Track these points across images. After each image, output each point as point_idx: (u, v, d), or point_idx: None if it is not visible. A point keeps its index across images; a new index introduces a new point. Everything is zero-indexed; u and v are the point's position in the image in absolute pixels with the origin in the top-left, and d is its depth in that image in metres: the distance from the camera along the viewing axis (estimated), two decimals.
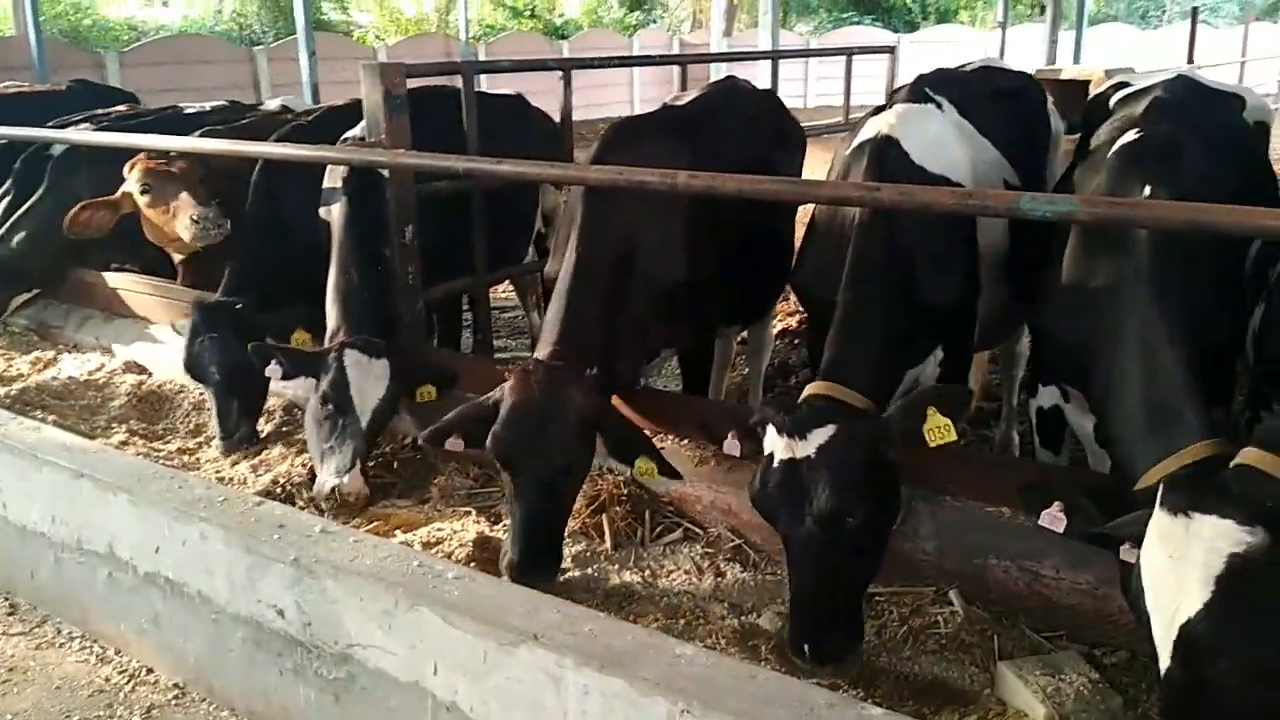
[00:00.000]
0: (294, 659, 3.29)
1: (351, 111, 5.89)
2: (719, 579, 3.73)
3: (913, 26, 37.21)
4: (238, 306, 4.87)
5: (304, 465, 4.58)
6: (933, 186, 3.51)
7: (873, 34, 33.05)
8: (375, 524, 4.15)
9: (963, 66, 5.16)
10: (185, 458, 4.92)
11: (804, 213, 5.58)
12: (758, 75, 6.07)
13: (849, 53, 7.84)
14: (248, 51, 22.55)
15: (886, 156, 3.70)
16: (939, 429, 3.13)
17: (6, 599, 4.25)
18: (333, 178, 4.92)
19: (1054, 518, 2.89)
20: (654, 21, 37.13)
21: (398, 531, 4.11)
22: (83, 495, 3.85)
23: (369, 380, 4.32)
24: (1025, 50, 21.88)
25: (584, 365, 3.68)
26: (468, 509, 4.26)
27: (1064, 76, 10.75)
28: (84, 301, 6.52)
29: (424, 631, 2.94)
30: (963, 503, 3.55)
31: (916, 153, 3.77)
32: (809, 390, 3.24)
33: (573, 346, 3.73)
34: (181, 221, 5.45)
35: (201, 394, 5.47)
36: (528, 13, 35.30)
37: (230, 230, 5.46)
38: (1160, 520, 2.42)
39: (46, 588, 4.13)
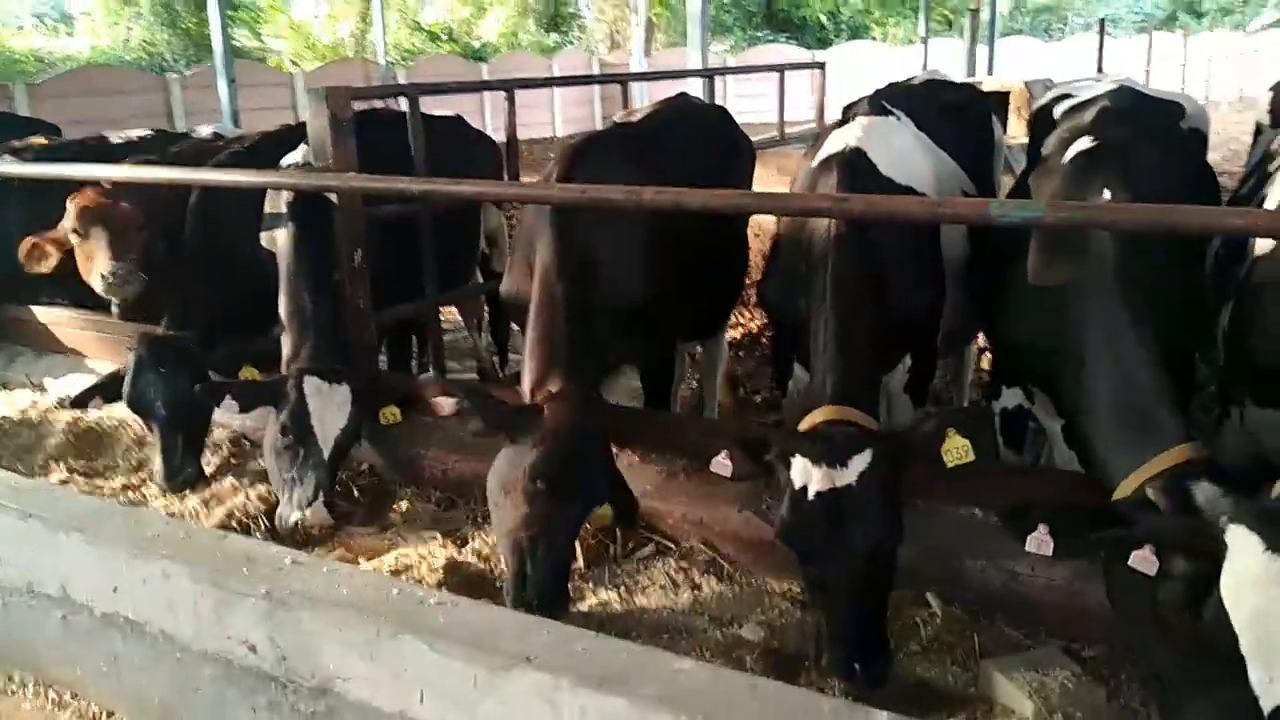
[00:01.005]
0: (268, 695, 3.19)
1: (287, 137, 5.80)
2: (696, 592, 3.71)
3: (825, 44, 37.82)
4: (187, 343, 4.74)
5: (259, 498, 4.45)
6: (902, 196, 3.55)
7: (789, 51, 33.49)
8: (338, 552, 4.06)
9: (910, 80, 5.25)
10: (130, 494, 4.76)
11: (755, 227, 5.64)
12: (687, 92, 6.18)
13: (781, 69, 7.93)
14: (161, 80, 22.08)
15: (855, 169, 3.72)
16: (958, 449, 3.10)
17: None
18: (275, 203, 4.81)
19: (1041, 541, 2.90)
20: (571, 43, 37.21)
21: (362, 560, 4.03)
22: (32, 536, 3.69)
23: (330, 408, 4.22)
24: (943, 64, 22.42)
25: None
26: (433, 534, 4.18)
27: (985, 89, 10.98)
28: (12, 338, 6.30)
29: (409, 660, 2.87)
30: (934, 505, 3.58)
31: (884, 164, 3.80)
32: (820, 416, 3.20)
33: (580, 374, 3.67)
34: (94, 273, 5.33)
35: (142, 429, 5.32)
36: (445, 36, 35.15)
37: (143, 281, 5.30)
38: (1261, 563, 2.33)
39: None
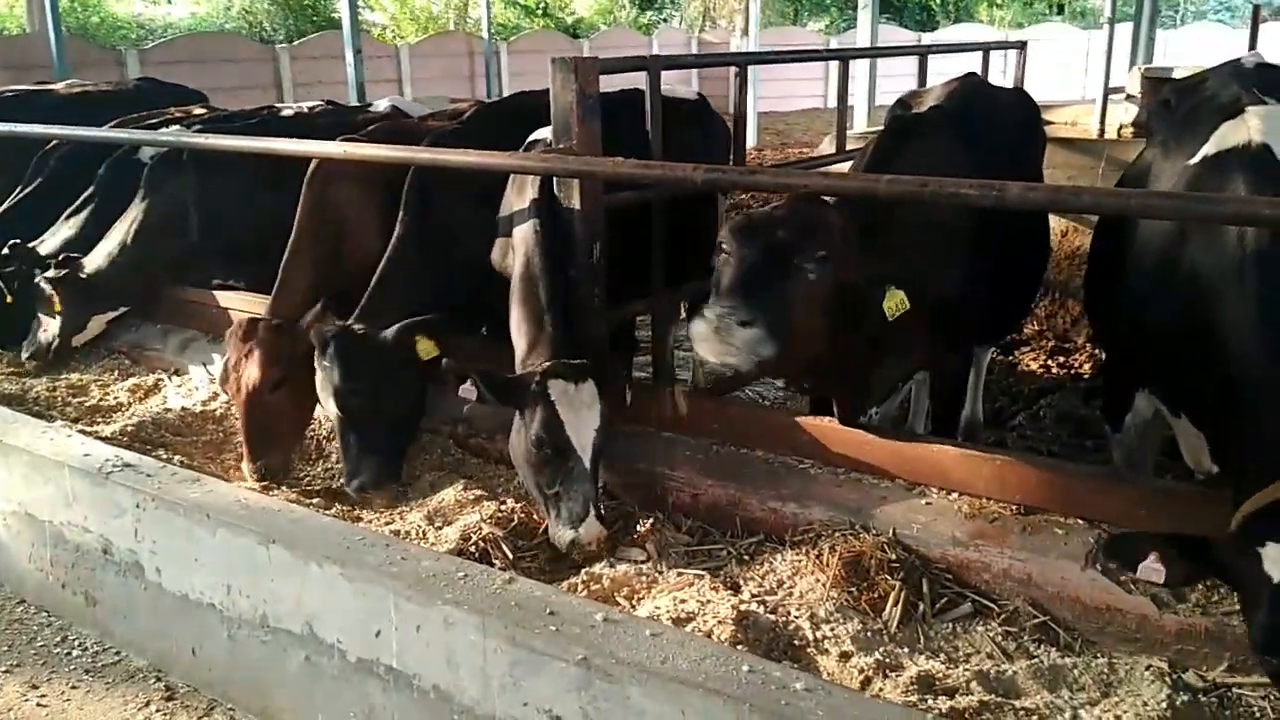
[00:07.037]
0: None
1: (489, 113, 5.35)
2: (1032, 662, 3.16)
3: (926, 26, 36.59)
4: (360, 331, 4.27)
5: (492, 518, 3.98)
6: None
7: (891, 33, 32.42)
8: (593, 587, 3.57)
9: (1236, 61, 4.56)
10: (340, 505, 4.32)
11: None
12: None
13: (986, 48, 7.30)
14: (270, 50, 21.83)
15: (1263, 170, 3.09)
16: None
17: (159, 679, 3.66)
18: (518, 191, 4.33)
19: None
20: (665, 20, 36.44)
21: (619, 598, 3.54)
22: (271, 564, 3.27)
23: (580, 411, 3.74)
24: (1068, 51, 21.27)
25: None
26: (698, 572, 3.66)
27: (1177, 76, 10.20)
28: (185, 321, 5.90)
29: None
30: None
31: None
32: None
33: None
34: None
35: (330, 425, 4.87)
36: (540, 11, 34.64)
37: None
38: None
39: (214, 667, 3.54)
